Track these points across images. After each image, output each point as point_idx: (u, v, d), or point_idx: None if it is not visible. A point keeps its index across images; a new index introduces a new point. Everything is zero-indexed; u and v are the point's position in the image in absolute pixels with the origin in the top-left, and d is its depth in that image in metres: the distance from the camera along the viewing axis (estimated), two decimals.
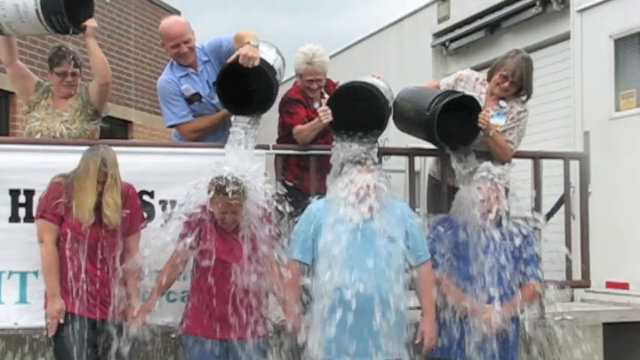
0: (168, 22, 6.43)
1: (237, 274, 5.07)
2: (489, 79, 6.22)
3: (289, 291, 5.16)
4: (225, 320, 5.10)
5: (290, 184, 6.32)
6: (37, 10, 5.80)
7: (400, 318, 5.17)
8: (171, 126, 6.46)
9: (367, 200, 5.05)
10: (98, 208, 5.13)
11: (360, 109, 5.86)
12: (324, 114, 5.88)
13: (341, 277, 4.98)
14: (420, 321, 5.32)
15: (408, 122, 6.22)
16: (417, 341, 5.23)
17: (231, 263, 5.09)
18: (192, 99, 6.31)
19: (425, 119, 5.88)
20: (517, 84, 6.14)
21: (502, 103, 6.18)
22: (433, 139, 6.04)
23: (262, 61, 5.78)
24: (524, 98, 6.31)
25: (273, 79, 5.81)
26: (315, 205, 5.28)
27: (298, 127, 6.21)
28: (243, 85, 5.83)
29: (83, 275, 5.09)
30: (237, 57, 5.73)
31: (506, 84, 6.11)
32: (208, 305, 5.11)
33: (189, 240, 5.15)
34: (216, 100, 6.29)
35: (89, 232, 5.10)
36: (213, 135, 6.35)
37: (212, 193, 5.05)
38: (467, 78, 6.31)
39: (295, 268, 5.16)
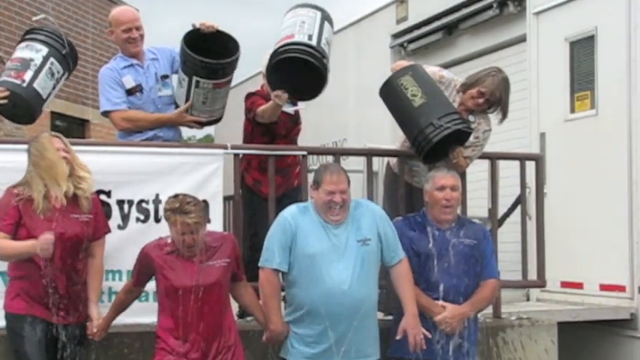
0: (119, 8, 6.43)
1: (206, 301, 4.89)
2: (465, 90, 6.14)
3: (271, 301, 5.09)
4: (201, 351, 4.90)
5: (247, 185, 6.37)
6: (66, 75, 5.99)
7: (375, 319, 5.21)
8: (105, 112, 6.23)
9: (339, 204, 5.02)
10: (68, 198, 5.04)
11: (298, 67, 5.83)
12: (278, 98, 5.94)
13: (317, 284, 4.97)
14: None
15: (405, 104, 5.87)
16: (397, 337, 5.14)
17: (195, 291, 4.86)
18: (132, 90, 6.17)
19: (429, 122, 5.69)
20: (491, 102, 6.11)
21: (470, 117, 6.15)
22: (418, 139, 5.79)
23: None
24: (492, 117, 6.24)
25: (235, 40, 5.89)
26: (288, 211, 5.19)
27: (261, 108, 6.22)
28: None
29: (47, 279, 4.97)
30: (197, 28, 5.82)
31: (482, 100, 6.07)
32: (180, 336, 4.89)
33: (139, 276, 5.07)
34: (162, 93, 6.22)
35: (53, 236, 4.93)
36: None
37: (168, 213, 4.85)
38: (448, 82, 6.19)
39: (274, 277, 5.09)
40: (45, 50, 5.82)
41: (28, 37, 5.94)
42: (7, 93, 5.63)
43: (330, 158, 6.42)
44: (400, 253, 5.21)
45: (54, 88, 5.89)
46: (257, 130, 6.45)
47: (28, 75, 5.70)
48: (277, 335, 5.13)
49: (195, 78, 5.84)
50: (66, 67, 5.96)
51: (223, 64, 5.83)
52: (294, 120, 6.62)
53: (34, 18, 6.34)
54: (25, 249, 4.90)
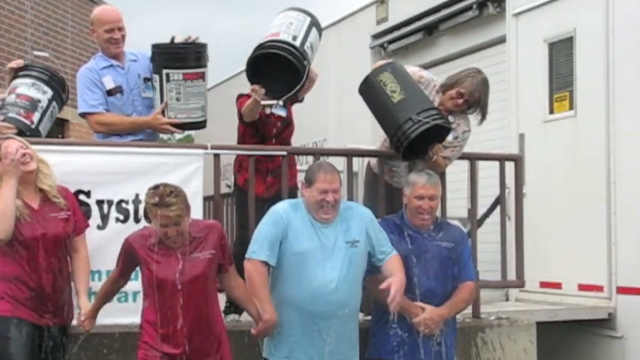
0: (103, 7, 6.41)
1: (191, 293, 4.81)
2: (444, 91, 6.15)
3: (262, 291, 5.00)
4: (185, 344, 4.82)
5: (239, 185, 6.39)
6: (57, 110, 6.12)
7: (357, 322, 5.21)
8: (82, 114, 6.21)
9: (331, 203, 5.00)
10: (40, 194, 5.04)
11: (276, 64, 5.87)
12: (255, 92, 5.95)
13: (305, 282, 4.96)
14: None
15: (384, 100, 5.89)
16: (381, 287, 5.02)
17: (179, 284, 4.78)
18: (112, 91, 6.14)
19: (408, 117, 5.71)
20: (470, 103, 6.12)
21: (450, 118, 6.16)
22: (397, 135, 5.82)
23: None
24: (471, 118, 6.26)
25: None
26: (280, 206, 5.16)
27: (243, 108, 6.23)
28: None
29: (31, 280, 4.95)
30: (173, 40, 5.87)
31: (461, 101, 6.08)
32: (164, 329, 4.82)
33: (123, 267, 5.00)
34: (145, 95, 6.19)
35: (35, 235, 4.94)
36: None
37: (149, 206, 4.76)
38: (427, 82, 6.19)
39: (262, 267, 5.00)
40: (50, 93, 5.99)
41: (33, 74, 6.01)
42: (15, 131, 5.66)
43: (310, 158, 6.42)
44: (393, 252, 5.20)
45: (49, 128, 6.09)
46: (248, 131, 6.45)
47: (35, 117, 5.89)
48: (272, 326, 5.01)
49: (164, 72, 5.87)
50: (60, 109, 6.17)
51: (186, 47, 5.90)
52: (286, 121, 6.60)
53: (36, 53, 6.40)
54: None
